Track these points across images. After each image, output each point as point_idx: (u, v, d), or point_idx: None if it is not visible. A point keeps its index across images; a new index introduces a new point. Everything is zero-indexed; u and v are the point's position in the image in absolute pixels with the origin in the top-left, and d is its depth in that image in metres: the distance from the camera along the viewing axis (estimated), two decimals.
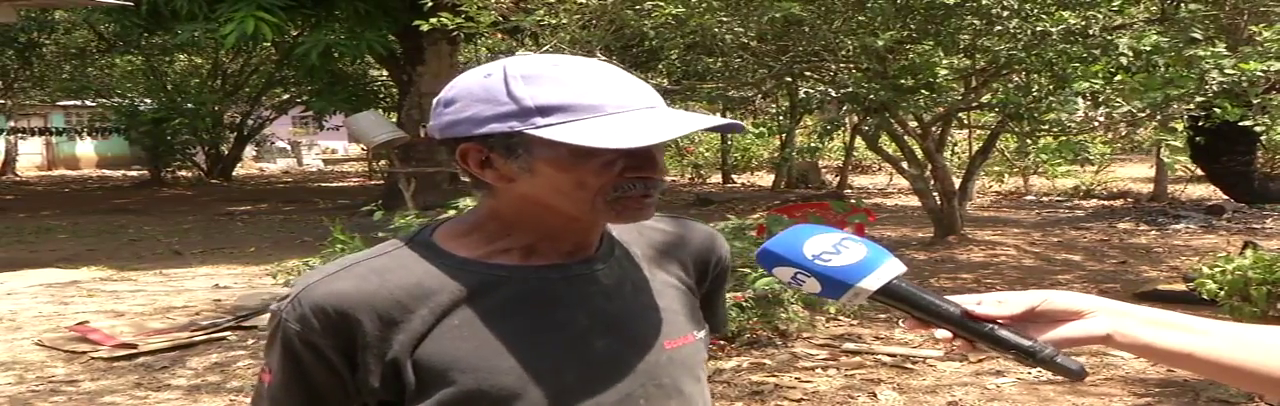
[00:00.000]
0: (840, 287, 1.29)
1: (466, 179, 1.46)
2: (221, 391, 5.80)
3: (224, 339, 7.02)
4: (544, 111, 1.32)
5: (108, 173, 29.89)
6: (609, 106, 1.33)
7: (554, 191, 1.37)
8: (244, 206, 18.75)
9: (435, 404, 1.39)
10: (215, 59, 25.21)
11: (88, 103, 27.45)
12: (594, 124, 1.31)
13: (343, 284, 1.39)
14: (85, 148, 32.21)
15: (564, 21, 8.77)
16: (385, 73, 20.59)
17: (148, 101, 24.71)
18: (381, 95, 20.98)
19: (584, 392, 1.42)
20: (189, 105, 23.24)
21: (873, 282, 1.28)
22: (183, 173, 25.25)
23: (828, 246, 1.30)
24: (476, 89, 1.37)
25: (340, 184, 25.54)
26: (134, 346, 6.71)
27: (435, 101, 1.42)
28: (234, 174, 26.68)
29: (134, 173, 28.12)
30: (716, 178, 23.41)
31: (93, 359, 6.53)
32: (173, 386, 5.93)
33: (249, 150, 29.73)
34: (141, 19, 14.51)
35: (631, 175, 1.36)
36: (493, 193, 1.43)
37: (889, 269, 1.29)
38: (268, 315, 6.61)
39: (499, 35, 12.34)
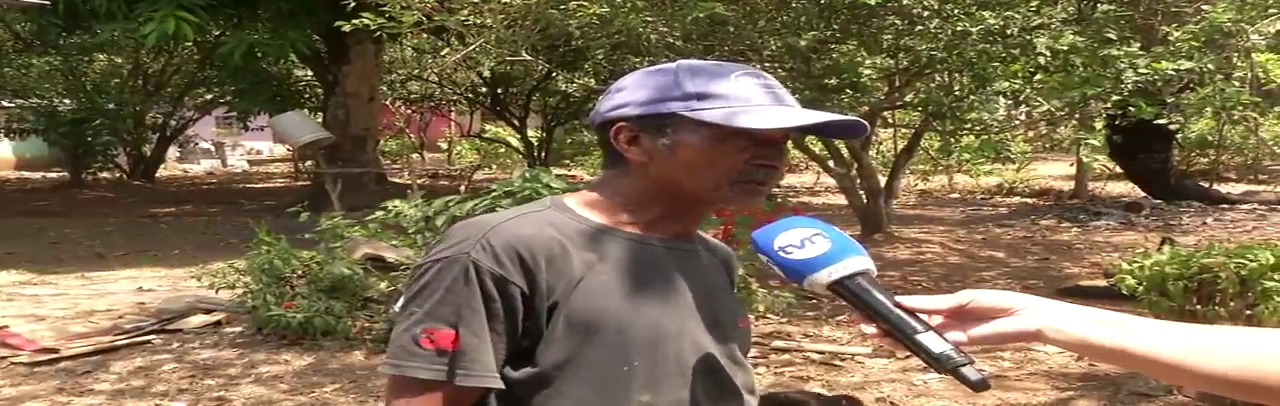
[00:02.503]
0: (796, 278, 1.39)
1: (602, 160, 1.64)
2: (146, 395, 5.71)
3: (148, 343, 6.92)
4: (701, 97, 1.52)
5: (26, 175, 29.21)
6: (755, 100, 1.52)
7: (688, 170, 1.53)
8: (167, 208, 18.47)
9: (576, 350, 1.50)
10: (136, 59, 24.73)
11: (5, 103, 26.83)
12: (739, 111, 1.49)
13: (524, 229, 1.52)
14: (2, 149, 31.49)
15: (489, 21, 8.74)
16: (310, 72, 20.38)
17: (67, 102, 24.16)
18: (306, 95, 20.73)
19: (692, 353, 1.57)
20: (110, 106, 22.76)
21: (822, 277, 1.36)
22: (104, 174, 24.73)
23: (795, 240, 1.39)
24: (646, 79, 1.58)
25: (266, 185, 25.23)
26: (55, 351, 6.59)
27: (606, 92, 1.62)
28: (157, 175, 26.20)
29: (53, 174, 27.49)
30: None
31: (13, 364, 6.41)
32: (96, 391, 5.84)
33: (172, 151, 29.19)
34: (59, 18, 14.25)
35: (757, 162, 1.53)
36: (626, 171, 1.59)
37: (844, 267, 1.37)
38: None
39: (423, 35, 12.26)
